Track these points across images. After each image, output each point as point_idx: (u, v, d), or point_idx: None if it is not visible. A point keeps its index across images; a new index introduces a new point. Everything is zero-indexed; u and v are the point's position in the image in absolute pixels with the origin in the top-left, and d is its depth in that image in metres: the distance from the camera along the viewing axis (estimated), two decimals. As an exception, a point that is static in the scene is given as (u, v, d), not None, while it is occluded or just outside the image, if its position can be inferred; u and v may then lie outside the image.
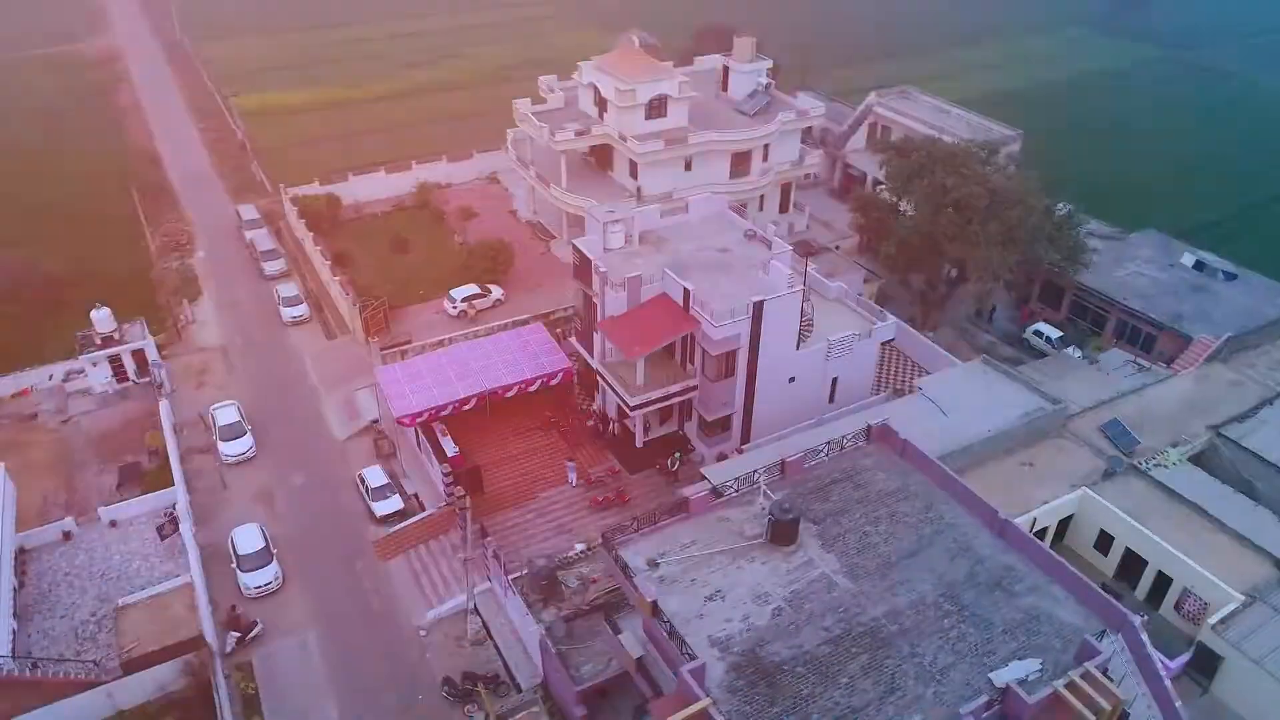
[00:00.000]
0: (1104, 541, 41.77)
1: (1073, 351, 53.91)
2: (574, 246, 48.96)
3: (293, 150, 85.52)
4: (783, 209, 70.59)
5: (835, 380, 49.05)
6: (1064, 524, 42.73)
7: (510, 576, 39.25)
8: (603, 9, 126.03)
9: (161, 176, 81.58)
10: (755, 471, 34.84)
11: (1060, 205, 55.47)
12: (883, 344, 51.21)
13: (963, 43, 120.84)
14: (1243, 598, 37.05)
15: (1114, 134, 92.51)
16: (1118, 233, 63.74)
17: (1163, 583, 39.73)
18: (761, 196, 67.90)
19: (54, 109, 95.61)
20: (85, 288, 62.00)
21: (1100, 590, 30.56)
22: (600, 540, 34.79)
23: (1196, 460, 45.10)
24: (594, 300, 47.52)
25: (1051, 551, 32.11)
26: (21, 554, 43.32)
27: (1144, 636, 29.14)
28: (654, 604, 30.06)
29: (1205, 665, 37.06)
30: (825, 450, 36.69)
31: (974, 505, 34.06)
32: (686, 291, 44.73)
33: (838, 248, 67.05)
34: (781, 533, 32.50)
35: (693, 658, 28.23)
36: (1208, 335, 51.58)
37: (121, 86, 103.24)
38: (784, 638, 29.69)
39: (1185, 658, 37.33)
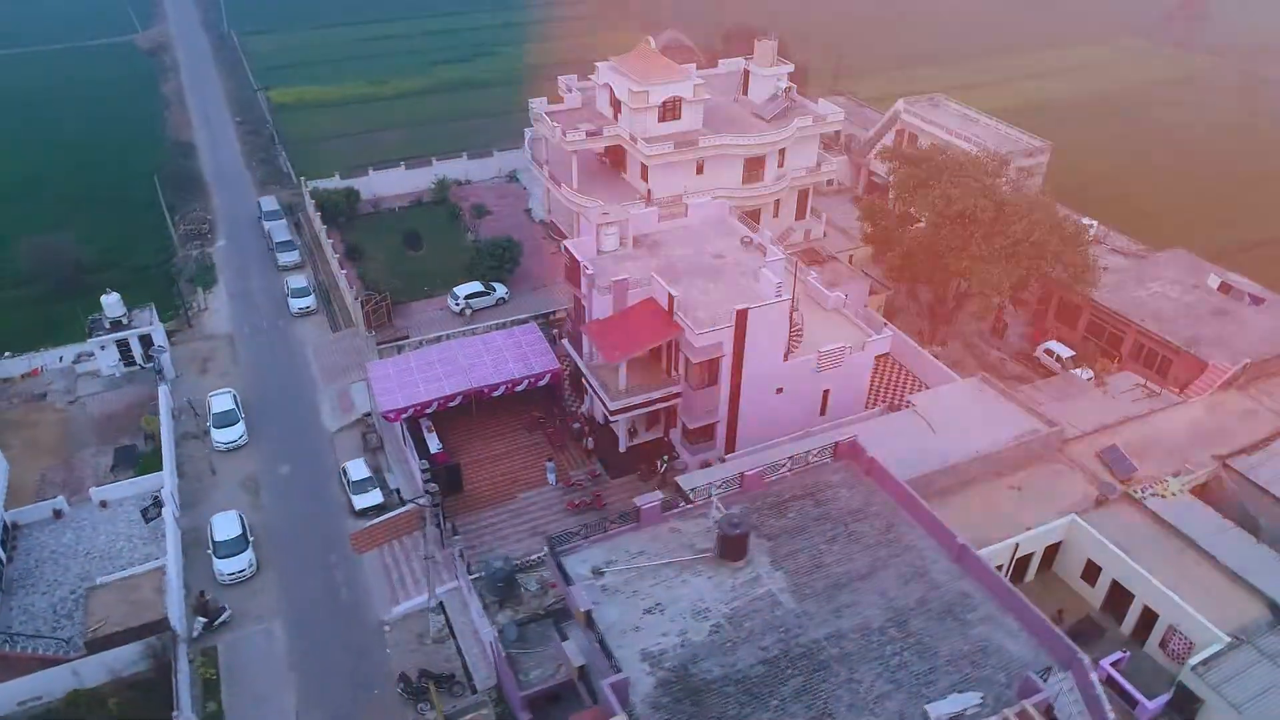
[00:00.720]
0: (1091, 572, 40.11)
1: (1081, 372, 51.91)
2: (565, 248, 48.69)
3: (321, 143, 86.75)
4: (799, 215, 69.24)
5: (827, 392, 48.02)
6: (1053, 551, 41.17)
7: (471, 577, 39.08)
8: (644, 10, 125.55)
9: (194, 166, 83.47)
10: (709, 484, 34.10)
11: (1069, 216, 53.37)
12: (883, 357, 49.92)
13: (1011, 51, 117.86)
14: (1228, 639, 35.18)
15: (1160, 146, 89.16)
16: (1143, 250, 61.30)
17: (1149, 618, 38.01)
18: (777, 202, 66.80)
19: (102, 98, 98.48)
20: (109, 273, 63.90)
21: (1052, 625, 29.22)
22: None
23: (1200, 492, 43.08)
24: (583, 302, 47.21)
25: (1007, 582, 30.85)
26: (13, 529, 44.57)
27: (1094, 676, 27.71)
28: (588, 614, 29.57)
29: (1185, 707, 35.25)
30: (788, 465, 35.78)
31: (934, 529, 32.88)
32: (671, 297, 44.12)
33: (851, 258, 65.65)
34: (729, 548, 31.75)
35: (618, 671, 27.67)
36: (1224, 361, 49.25)
37: (168, 77, 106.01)
38: (718, 655, 28.97)
39: (1165, 698, 35.57)
